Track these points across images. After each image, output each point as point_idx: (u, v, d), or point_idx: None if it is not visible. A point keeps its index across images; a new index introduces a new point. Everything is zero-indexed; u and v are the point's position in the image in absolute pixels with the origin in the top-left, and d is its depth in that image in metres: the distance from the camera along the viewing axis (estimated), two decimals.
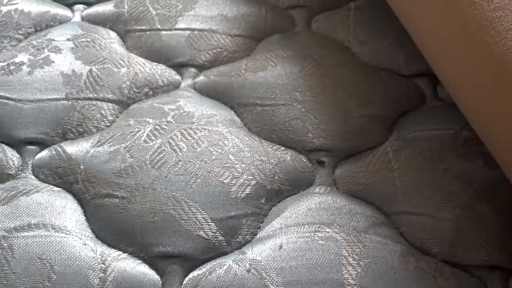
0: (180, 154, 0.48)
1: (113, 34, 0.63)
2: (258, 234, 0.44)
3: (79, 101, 0.54)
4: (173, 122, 0.51)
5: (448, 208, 0.47)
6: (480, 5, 0.43)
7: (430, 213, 0.46)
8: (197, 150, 0.49)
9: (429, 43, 0.50)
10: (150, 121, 0.51)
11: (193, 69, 0.59)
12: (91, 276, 0.40)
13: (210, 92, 0.57)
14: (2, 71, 0.55)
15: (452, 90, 0.48)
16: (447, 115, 0.56)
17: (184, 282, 0.41)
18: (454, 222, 0.46)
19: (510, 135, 0.39)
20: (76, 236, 0.43)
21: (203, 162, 0.48)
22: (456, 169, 0.50)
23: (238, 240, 0.44)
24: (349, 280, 0.41)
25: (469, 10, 0.44)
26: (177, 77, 0.58)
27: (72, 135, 0.51)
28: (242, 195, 0.46)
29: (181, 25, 0.63)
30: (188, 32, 0.62)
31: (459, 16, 0.45)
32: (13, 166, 0.49)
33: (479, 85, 0.44)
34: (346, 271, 0.42)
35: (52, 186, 0.47)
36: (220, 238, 0.44)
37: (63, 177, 0.48)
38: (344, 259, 0.42)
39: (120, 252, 0.42)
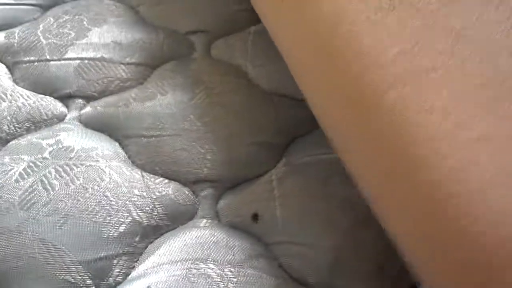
0: (52, 193, 0.47)
1: (1, 66, 0.62)
2: (131, 275, 0.44)
3: None
4: (49, 158, 0.50)
5: (327, 236, 0.46)
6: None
7: (309, 242, 0.46)
8: (71, 188, 0.47)
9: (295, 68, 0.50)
10: (25, 158, 0.50)
11: (80, 100, 0.58)
12: None
13: (95, 124, 0.56)
14: None
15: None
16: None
17: None
18: (333, 250, 0.46)
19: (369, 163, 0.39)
20: None
21: (75, 201, 0.47)
22: (339, 195, 0.50)
23: (108, 282, 0.43)
24: None
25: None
26: (63, 109, 0.57)
27: None
28: (115, 234, 0.45)
29: (71, 54, 0.62)
30: (77, 62, 0.61)
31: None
32: None
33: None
34: None
35: None
36: (88, 281, 0.42)
37: None
38: None
39: None
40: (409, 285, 0.44)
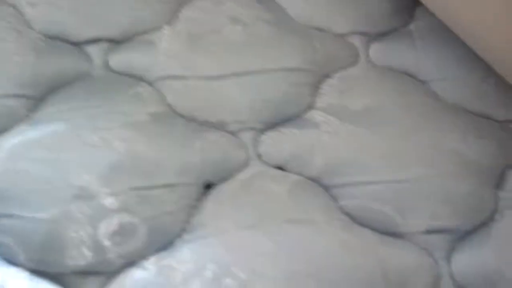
0: None
1: None
2: None
3: None
4: None
5: (47, 208, 0.41)
6: None
7: (24, 214, 0.40)
8: None
9: None
10: None
11: None
12: None
13: None
14: None
15: None
16: (107, 88, 0.50)
17: None
18: (48, 223, 0.40)
19: None
20: None
21: None
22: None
23: None
24: None
25: None
26: None
27: None
28: None
29: None
30: None
31: None
32: None
33: None
34: None
35: None
36: None
37: None
38: None
39: None
40: None
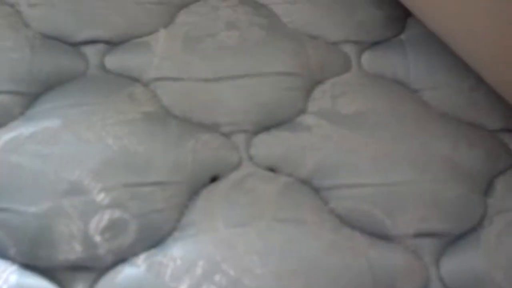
0: None
1: None
2: None
3: None
4: None
5: (39, 202, 0.41)
6: None
7: (16, 207, 0.41)
8: None
9: None
10: None
11: None
12: None
13: None
14: None
15: None
16: (102, 87, 0.51)
17: None
18: (40, 217, 0.40)
19: None
20: None
21: None
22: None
23: None
24: None
25: None
26: None
27: None
28: None
29: None
30: None
31: None
32: None
33: None
34: None
35: None
36: None
37: None
38: None
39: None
40: None
